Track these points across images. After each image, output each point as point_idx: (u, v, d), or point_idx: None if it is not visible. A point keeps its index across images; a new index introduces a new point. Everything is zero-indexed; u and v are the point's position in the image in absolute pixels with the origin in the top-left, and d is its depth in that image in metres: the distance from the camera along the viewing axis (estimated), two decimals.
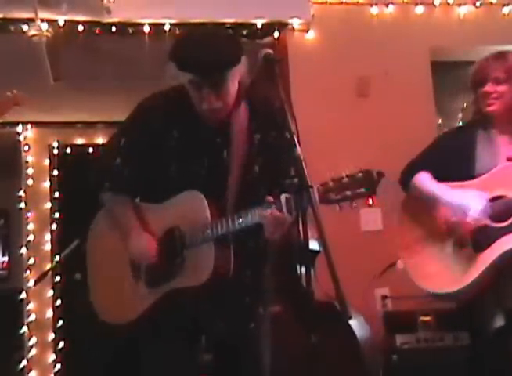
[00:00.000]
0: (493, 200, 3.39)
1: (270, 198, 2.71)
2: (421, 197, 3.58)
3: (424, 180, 3.56)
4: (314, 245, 2.75)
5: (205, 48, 2.79)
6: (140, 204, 3.06)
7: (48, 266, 7.07)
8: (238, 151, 2.95)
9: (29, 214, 7.77)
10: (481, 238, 3.35)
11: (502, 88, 3.53)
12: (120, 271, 3.07)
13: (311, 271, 2.63)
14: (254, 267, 3.03)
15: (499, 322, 3.33)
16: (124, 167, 3.02)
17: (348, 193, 2.51)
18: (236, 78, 2.86)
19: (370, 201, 2.52)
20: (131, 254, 2.98)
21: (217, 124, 2.94)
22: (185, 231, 2.89)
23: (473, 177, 3.47)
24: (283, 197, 2.64)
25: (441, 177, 3.52)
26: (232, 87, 2.86)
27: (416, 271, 3.55)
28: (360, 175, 2.50)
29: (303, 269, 2.58)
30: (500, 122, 3.58)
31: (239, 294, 3.00)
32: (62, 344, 7.55)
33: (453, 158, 3.53)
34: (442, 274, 3.44)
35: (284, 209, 2.63)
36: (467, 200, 3.37)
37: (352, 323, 4.34)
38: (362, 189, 2.49)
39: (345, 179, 2.52)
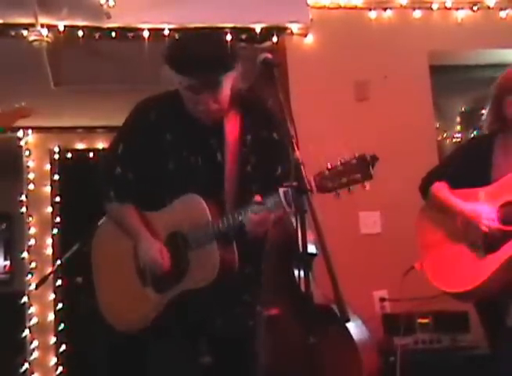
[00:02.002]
0: (505, 205, 3.53)
1: (258, 198, 2.78)
2: (438, 205, 3.75)
3: (441, 190, 3.73)
4: (311, 248, 2.76)
5: (201, 51, 2.82)
6: (143, 213, 3.09)
7: (50, 270, 7.09)
8: (231, 151, 3.01)
9: (30, 218, 7.79)
10: (492, 240, 3.49)
11: None
12: (128, 279, 3.10)
13: (310, 274, 2.65)
14: (254, 264, 3.08)
15: None
16: (125, 174, 3.06)
17: (344, 179, 2.53)
18: (230, 81, 2.92)
19: (367, 186, 2.54)
20: (144, 261, 3.00)
21: (210, 125, 3.00)
22: (187, 234, 2.93)
23: (489, 183, 3.62)
24: (281, 190, 2.68)
25: (458, 184, 3.68)
26: (227, 89, 2.93)
27: (432, 271, 3.71)
28: (354, 161, 2.53)
29: (301, 272, 2.59)
30: None
31: (239, 291, 3.04)
32: (63, 347, 7.57)
33: (471, 166, 3.67)
34: (457, 274, 3.59)
35: (283, 201, 2.67)
36: (479, 213, 3.53)
37: (350, 325, 4.36)
38: (357, 175, 2.52)
39: (340, 167, 2.54)
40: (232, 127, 3.03)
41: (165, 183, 3.01)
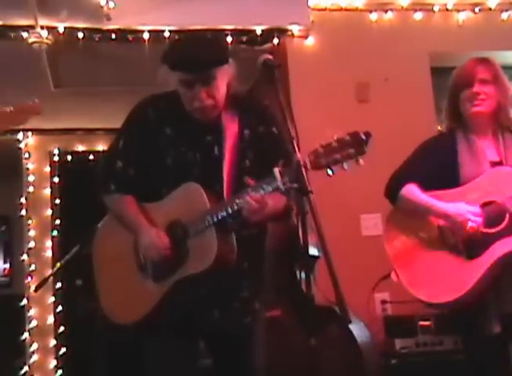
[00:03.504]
0: (484, 206, 3.38)
1: (250, 181, 2.79)
2: (411, 209, 3.56)
3: (413, 192, 3.53)
4: (313, 251, 2.76)
5: (194, 48, 2.95)
6: (143, 204, 3.12)
7: (49, 273, 7.07)
8: (229, 146, 3.04)
9: (30, 221, 7.78)
10: (474, 244, 3.34)
11: (488, 89, 3.53)
12: (129, 274, 3.11)
13: (311, 276, 2.65)
14: (252, 261, 3.08)
15: (496, 328, 3.32)
16: (126, 167, 3.10)
17: (338, 155, 2.54)
18: (224, 78, 2.98)
19: (361, 161, 2.53)
20: (143, 248, 3.02)
21: (208, 122, 3.05)
22: (186, 222, 2.95)
23: (458, 184, 3.48)
24: (276, 169, 2.68)
25: (427, 186, 3.51)
26: (222, 86, 2.98)
27: (410, 281, 3.50)
28: (348, 137, 2.54)
29: (303, 274, 2.58)
30: (480, 125, 3.58)
31: (236, 287, 3.05)
32: (63, 350, 7.55)
33: (437, 167, 3.52)
34: (438, 283, 3.41)
35: (279, 183, 2.67)
36: (464, 211, 3.36)
37: (352, 327, 4.35)
38: (351, 150, 2.51)
39: (334, 143, 2.55)
40: (230, 123, 3.07)
41: (164, 179, 3.06)
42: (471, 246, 3.34)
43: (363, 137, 2.52)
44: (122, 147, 3.14)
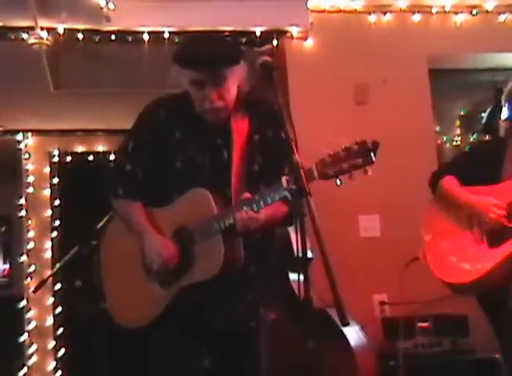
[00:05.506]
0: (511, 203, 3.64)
1: (247, 195, 2.79)
2: (445, 197, 3.86)
3: (450, 182, 3.84)
4: (308, 253, 2.75)
5: (206, 47, 2.90)
6: (150, 210, 3.09)
7: (49, 274, 7.07)
8: (238, 151, 3.00)
9: (29, 221, 7.79)
10: (496, 235, 3.60)
11: None
12: (135, 277, 3.09)
13: (309, 279, 2.63)
14: (259, 265, 3.06)
15: None
16: (135, 171, 3.07)
17: (345, 165, 2.50)
18: (235, 79, 2.93)
19: (369, 171, 2.52)
20: (150, 256, 2.99)
21: (218, 125, 3.01)
22: (193, 228, 2.92)
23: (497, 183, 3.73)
24: (283, 178, 2.66)
25: (468, 182, 3.78)
26: (232, 87, 2.94)
27: (435, 262, 3.80)
28: (355, 146, 2.50)
29: (301, 277, 2.58)
30: None
31: (242, 290, 3.03)
32: (62, 351, 7.55)
33: (482, 166, 3.77)
34: (459, 267, 3.69)
35: (286, 192, 2.65)
36: (488, 204, 3.65)
37: (348, 330, 4.35)
38: (359, 160, 2.50)
39: (341, 153, 2.52)
40: (239, 127, 3.04)
41: (173, 181, 3.02)
42: (494, 236, 3.63)
43: (370, 147, 2.50)
44: (131, 150, 3.09)
